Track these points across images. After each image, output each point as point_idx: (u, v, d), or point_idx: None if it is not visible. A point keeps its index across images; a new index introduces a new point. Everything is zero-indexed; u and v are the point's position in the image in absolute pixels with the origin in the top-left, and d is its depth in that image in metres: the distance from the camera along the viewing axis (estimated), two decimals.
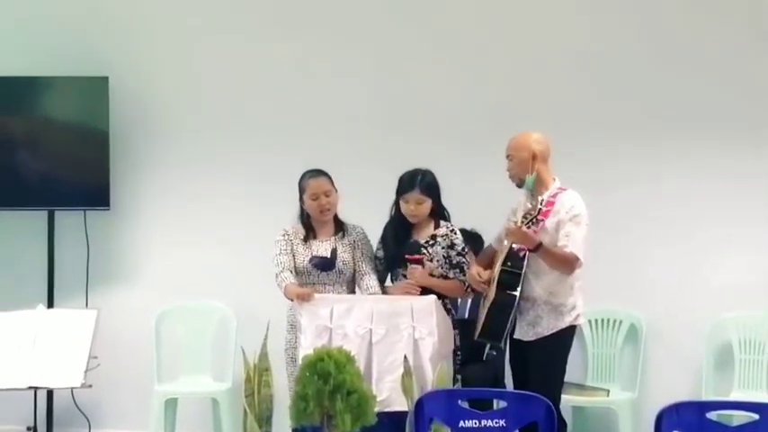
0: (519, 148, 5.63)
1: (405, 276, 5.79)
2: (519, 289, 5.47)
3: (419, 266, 5.74)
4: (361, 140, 6.97)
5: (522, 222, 5.38)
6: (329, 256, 5.82)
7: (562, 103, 6.80)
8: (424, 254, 5.77)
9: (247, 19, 7.17)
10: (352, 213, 5.97)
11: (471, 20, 6.97)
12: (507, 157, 5.68)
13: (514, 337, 5.62)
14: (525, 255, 5.49)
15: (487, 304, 5.57)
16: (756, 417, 3.94)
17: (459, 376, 5.79)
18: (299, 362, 5.20)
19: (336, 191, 5.87)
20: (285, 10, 7.13)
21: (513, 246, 5.52)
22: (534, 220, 5.37)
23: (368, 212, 5.99)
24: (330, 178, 5.87)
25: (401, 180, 5.85)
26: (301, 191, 5.88)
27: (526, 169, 5.54)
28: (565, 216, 5.51)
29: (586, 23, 6.87)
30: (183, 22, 7.23)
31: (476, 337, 5.70)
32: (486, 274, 5.68)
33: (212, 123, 7.16)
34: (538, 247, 5.41)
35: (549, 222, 5.48)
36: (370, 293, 5.75)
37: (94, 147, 6.98)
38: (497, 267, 5.55)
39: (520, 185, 5.63)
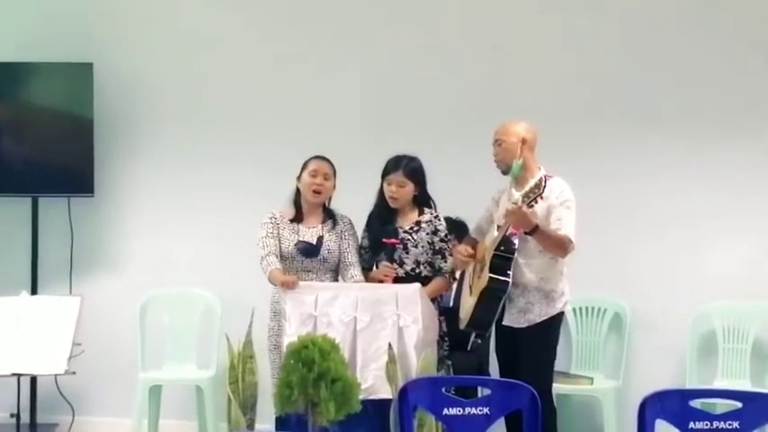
0: (508, 133, 5.61)
1: (388, 261, 5.78)
2: (510, 273, 5.46)
3: (392, 270, 5.74)
4: (352, 132, 6.96)
5: (524, 202, 5.33)
6: (315, 242, 5.82)
7: (552, 96, 6.80)
8: (400, 239, 5.78)
9: (236, 5, 7.15)
10: (342, 205, 5.99)
11: (461, 15, 6.97)
12: (495, 142, 5.65)
13: (504, 323, 5.61)
14: (516, 240, 5.49)
15: (476, 293, 5.56)
16: (739, 405, 3.95)
17: (449, 362, 5.81)
18: (283, 349, 5.20)
19: (335, 184, 5.89)
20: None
21: (506, 232, 5.50)
22: (536, 199, 5.33)
23: (357, 204, 5.99)
24: (334, 168, 5.89)
25: (387, 163, 5.87)
26: (303, 168, 5.89)
27: (514, 155, 5.52)
28: (555, 201, 5.50)
29: (577, 18, 6.86)
30: (169, 8, 7.21)
31: (463, 327, 5.70)
32: (471, 251, 5.69)
33: (197, 110, 7.15)
34: (535, 230, 5.39)
35: (539, 208, 5.45)
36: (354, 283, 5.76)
37: (79, 133, 6.95)
38: (489, 253, 5.53)
39: (506, 172, 5.61)
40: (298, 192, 5.92)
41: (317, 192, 5.85)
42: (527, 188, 5.38)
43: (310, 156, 5.91)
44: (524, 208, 5.32)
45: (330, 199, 5.95)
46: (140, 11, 7.19)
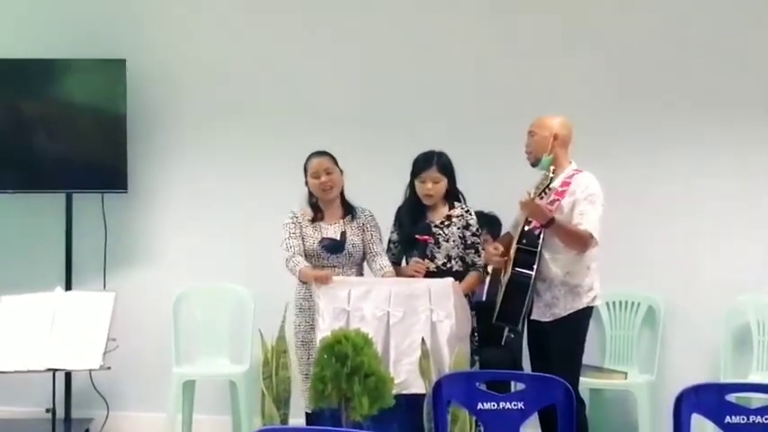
0: (542, 126, 5.63)
1: (420, 257, 5.77)
2: (534, 267, 5.45)
3: (423, 265, 5.73)
4: (378, 126, 6.94)
5: (535, 194, 5.34)
6: (339, 238, 5.82)
7: (578, 86, 6.76)
8: (433, 234, 5.77)
9: (265, 5, 7.16)
10: (363, 198, 6.01)
11: (484, 6, 6.95)
12: (529, 133, 5.67)
13: (532, 317, 5.62)
14: (541, 233, 5.48)
15: (503, 286, 5.56)
16: None
17: (476, 357, 5.80)
18: (316, 344, 5.22)
19: (341, 171, 5.89)
20: None
21: (527, 225, 5.50)
22: (546, 190, 5.33)
23: (378, 198, 6.00)
24: (332, 157, 5.89)
25: (416, 161, 5.86)
26: (305, 172, 5.90)
27: (545, 149, 5.53)
28: (580, 195, 5.49)
29: (597, 7, 6.84)
30: (201, 5, 7.22)
31: (494, 321, 5.70)
32: (501, 249, 5.69)
33: (229, 107, 7.14)
34: (550, 222, 5.39)
35: (566, 202, 5.47)
36: (384, 273, 5.75)
37: (112, 129, 6.97)
38: (513, 246, 5.54)
39: (535, 164, 5.62)
40: (311, 193, 5.93)
41: (326, 189, 5.85)
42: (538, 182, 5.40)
43: (309, 153, 5.93)
44: (536, 200, 5.32)
45: (343, 189, 5.94)
46: (172, 8, 7.20)
